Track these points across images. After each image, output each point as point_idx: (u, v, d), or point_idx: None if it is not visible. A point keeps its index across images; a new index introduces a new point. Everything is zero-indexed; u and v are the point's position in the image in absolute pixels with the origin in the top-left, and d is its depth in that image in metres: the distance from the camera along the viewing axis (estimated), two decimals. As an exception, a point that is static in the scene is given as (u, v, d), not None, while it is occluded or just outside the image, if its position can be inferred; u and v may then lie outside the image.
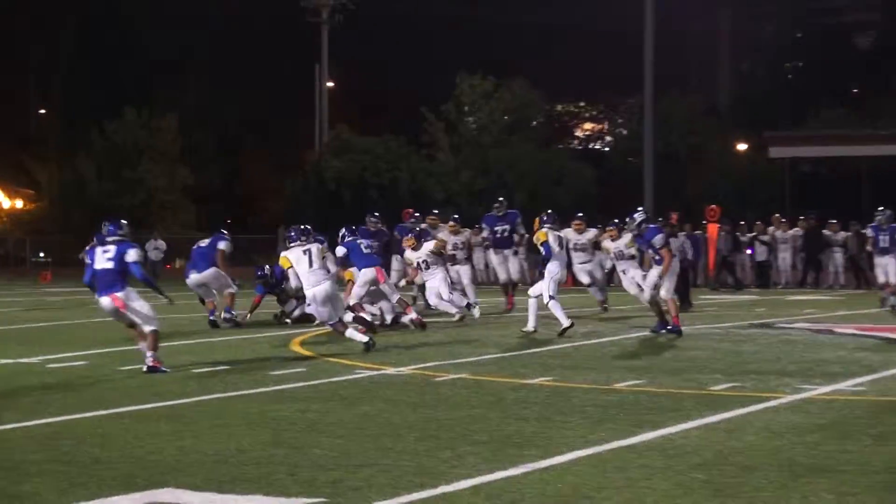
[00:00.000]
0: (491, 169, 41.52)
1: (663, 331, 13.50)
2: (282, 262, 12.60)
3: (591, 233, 17.18)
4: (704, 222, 27.13)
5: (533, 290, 14.05)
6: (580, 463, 6.16)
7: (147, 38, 54.29)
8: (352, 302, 14.08)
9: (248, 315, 15.71)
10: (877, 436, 6.90)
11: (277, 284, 15.78)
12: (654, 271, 13.67)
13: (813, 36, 51.32)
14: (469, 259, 18.19)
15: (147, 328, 10.15)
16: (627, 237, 16.94)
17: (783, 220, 27.01)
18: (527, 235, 17.50)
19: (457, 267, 17.43)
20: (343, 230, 14.62)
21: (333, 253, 14.59)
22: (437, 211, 19.36)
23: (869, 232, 19.07)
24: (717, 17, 51.33)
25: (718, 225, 26.69)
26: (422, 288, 17.50)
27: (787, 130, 38.94)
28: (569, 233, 17.35)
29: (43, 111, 57.50)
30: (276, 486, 5.65)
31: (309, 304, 12.52)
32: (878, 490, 5.58)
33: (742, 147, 43.86)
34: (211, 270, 15.39)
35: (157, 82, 53.14)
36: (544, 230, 14.13)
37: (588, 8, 49.00)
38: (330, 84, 49.01)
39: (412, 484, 5.66)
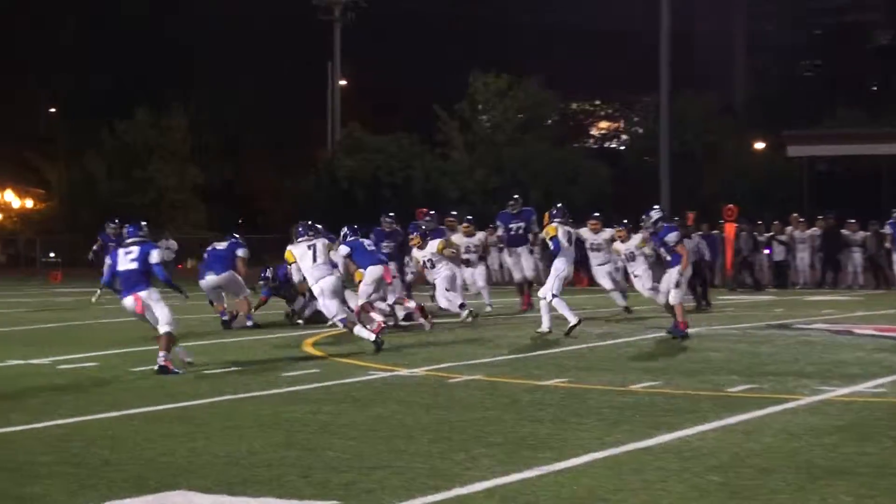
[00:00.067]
0: (505, 168, 41.45)
1: (680, 334, 13.24)
2: (286, 256, 12.77)
3: (608, 232, 16.98)
4: (721, 222, 26.99)
5: (542, 292, 13.96)
6: (595, 465, 6.12)
7: (157, 37, 54.36)
8: (360, 301, 14.05)
9: (252, 311, 15.71)
10: (896, 438, 6.83)
11: (282, 286, 15.82)
12: (670, 273, 13.44)
13: (829, 34, 51.07)
14: (483, 259, 18.07)
15: (162, 329, 10.20)
16: (637, 238, 16.85)
17: (801, 219, 26.81)
18: (541, 235, 17.37)
19: (471, 269, 17.33)
20: (345, 229, 14.52)
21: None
22: (455, 213, 19.24)
23: (887, 229, 18.95)
24: (733, 16, 51.15)
25: (735, 225, 26.56)
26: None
27: (805, 129, 38.71)
28: (585, 232, 17.24)
29: (53, 109, 57.54)
30: (288, 488, 5.61)
31: (317, 301, 12.60)
32: (899, 493, 5.51)
33: (759, 146, 43.66)
34: (228, 274, 15.43)
35: (167, 82, 53.19)
36: (554, 225, 13.99)
37: (603, 6, 48.90)
38: (342, 82, 48.83)
39: (426, 486, 5.62)
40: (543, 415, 7.73)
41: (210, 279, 15.38)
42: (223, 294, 15.56)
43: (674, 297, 13.23)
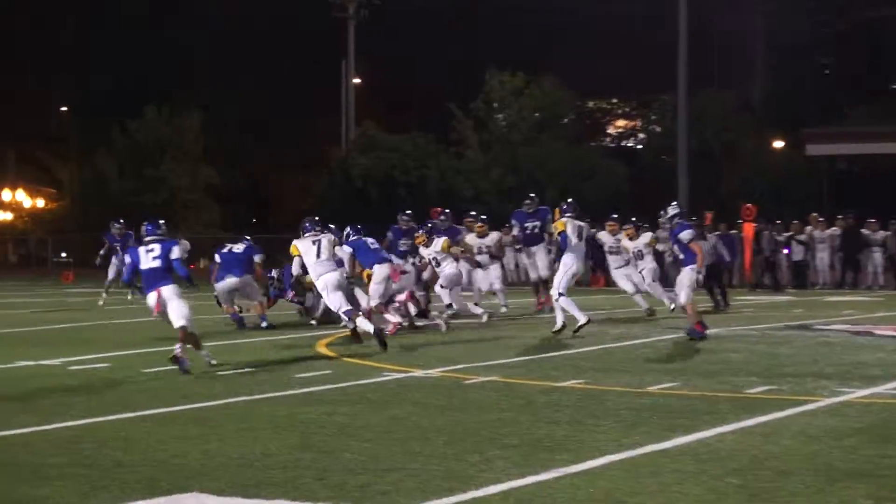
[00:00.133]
0: (521, 167, 41.33)
1: (698, 336, 13.11)
2: (291, 250, 12.92)
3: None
4: (740, 221, 26.86)
5: (553, 289, 13.91)
6: (612, 467, 6.08)
7: (165, 36, 54.43)
8: (373, 303, 14.05)
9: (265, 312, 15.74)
10: (918, 440, 6.76)
11: (290, 287, 15.87)
12: (683, 272, 13.26)
13: (849, 30, 50.67)
14: (499, 259, 17.92)
15: (176, 324, 10.27)
16: (647, 237, 16.77)
17: (821, 218, 26.65)
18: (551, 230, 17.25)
19: (484, 270, 17.21)
20: (348, 229, 14.52)
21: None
22: (474, 213, 19.14)
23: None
24: (752, 12, 50.80)
25: (754, 224, 26.42)
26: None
27: (824, 127, 38.44)
28: (604, 236, 17.17)
29: (64, 108, 57.65)
30: (303, 491, 5.58)
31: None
32: (920, 496, 5.45)
33: (778, 144, 43.39)
34: (246, 277, 15.53)
35: (175, 81, 53.24)
36: (563, 220, 13.89)
37: (620, 3, 48.68)
38: (356, 80, 48.51)
39: (441, 488, 5.58)
40: (560, 416, 7.68)
41: (230, 281, 15.40)
42: (235, 297, 15.61)
43: (683, 298, 13.08)
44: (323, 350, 12.26)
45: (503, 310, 17.43)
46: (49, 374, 10.33)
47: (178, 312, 10.26)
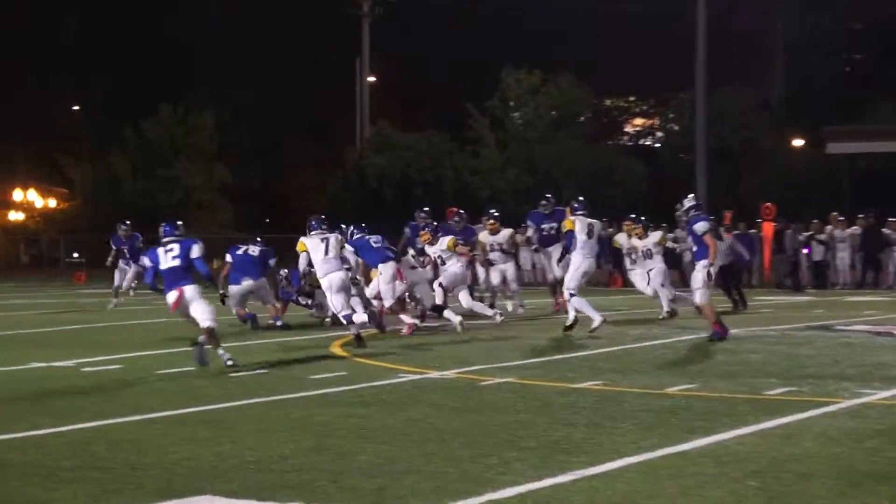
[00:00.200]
0: (538, 166, 41.18)
1: (718, 336, 12.96)
2: (298, 246, 12.97)
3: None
4: (759, 221, 26.69)
5: (564, 291, 13.84)
6: (631, 470, 6.02)
7: (183, 34, 54.55)
8: (387, 303, 14.02)
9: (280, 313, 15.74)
10: (941, 442, 6.67)
11: (299, 290, 15.87)
12: (697, 271, 13.09)
13: (872, 27, 50.31)
14: (514, 257, 17.79)
15: (204, 325, 10.41)
16: (656, 236, 16.62)
17: (841, 218, 26.46)
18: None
19: (500, 267, 17.13)
20: (352, 227, 14.51)
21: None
22: (492, 211, 18.99)
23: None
24: (772, 9, 50.48)
25: (774, 224, 26.25)
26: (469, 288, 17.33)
27: (844, 125, 38.16)
28: (621, 238, 17.06)
29: (76, 107, 57.77)
30: (318, 494, 5.54)
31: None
32: (944, 500, 5.36)
33: (798, 143, 43.13)
34: (262, 281, 15.59)
35: (194, 81, 53.31)
36: (571, 218, 13.83)
37: (637, 0, 48.47)
38: (371, 79, 48.18)
39: (457, 491, 5.53)
40: (577, 418, 7.61)
41: (246, 284, 15.40)
42: (248, 300, 15.60)
43: (699, 298, 12.92)
44: (338, 351, 12.22)
45: (520, 310, 17.36)
46: (61, 376, 10.31)
47: (204, 313, 10.38)
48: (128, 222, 20.76)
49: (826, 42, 49.77)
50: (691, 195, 14.10)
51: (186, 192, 48.72)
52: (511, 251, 17.66)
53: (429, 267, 15.30)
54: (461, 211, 18.09)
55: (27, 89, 53.87)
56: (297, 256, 13.16)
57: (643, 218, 16.96)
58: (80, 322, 17.16)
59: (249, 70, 55.06)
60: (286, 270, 16.31)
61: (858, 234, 25.76)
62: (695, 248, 13.13)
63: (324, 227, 12.99)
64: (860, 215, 26.26)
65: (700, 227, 12.92)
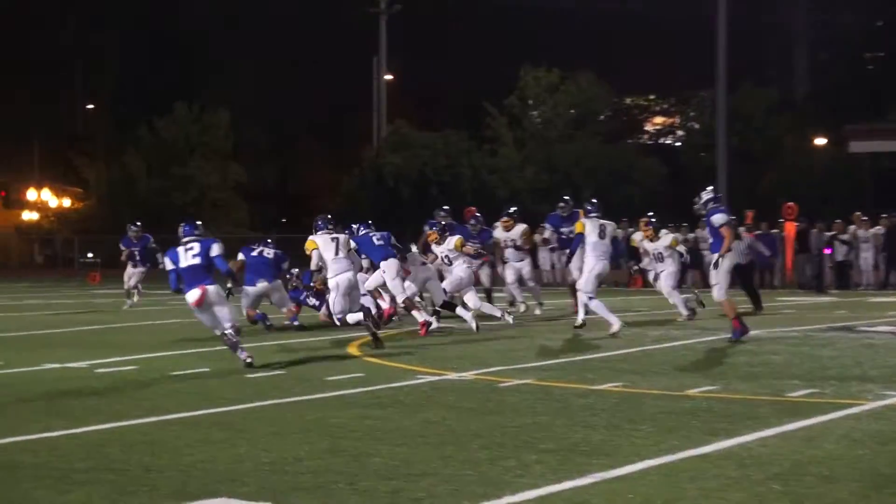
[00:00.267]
0: (557, 165, 41.03)
1: (737, 334, 12.84)
2: (308, 244, 12.99)
3: (668, 238, 16.64)
4: (781, 220, 26.50)
5: (579, 285, 13.77)
6: (651, 472, 5.95)
7: (199, 34, 54.66)
8: (400, 299, 14.00)
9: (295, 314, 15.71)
10: (967, 445, 6.56)
11: (306, 285, 15.87)
12: (713, 271, 12.92)
13: (894, 25, 49.91)
14: (526, 251, 17.66)
15: (218, 331, 10.55)
16: (668, 238, 16.47)
17: (864, 217, 26.23)
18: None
19: (515, 265, 17.01)
20: (359, 225, 14.48)
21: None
22: (513, 209, 18.84)
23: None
24: (794, 7, 50.19)
25: (796, 223, 26.05)
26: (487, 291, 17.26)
27: (867, 123, 37.86)
28: (638, 236, 16.94)
29: (91, 106, 57.83)
30: (334, 496, 5.50)
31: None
32: (971, 504, 5.26)
33: (820, 142, 42.84)
34: (277, 283, 15.61)
35: (209, 79, 53.37)
36: (583, 221, 13.77)
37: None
38: (388, 77, 47.90)
39: (475, 494, 5.48)
40: (596, 420, 7.54)
41: (261, 286, 15.40)
42: (261, 302, 15.60)
43: (716, 294, 12.82)
44: (354, 352, 12.17)
45: (537, 311, 17.25)
46: (75, 377, 10.29)
47: (226, 316, 10.56)
48: (138, 223, 20.61)
49: (849, 40, 49.43)
50: (710, 188, 13.97)
51: (201, 190, 48.80)
52: (526, 247, 17.54)
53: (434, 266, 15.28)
54: (478, 214, 18.01)
55: (41, 89, 54.13)
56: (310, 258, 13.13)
57: (654, 220, 16.81)
58: (95, 323, 17.17)
59: (265, 68, 55.16)
60: (297, 270, 16.27)
61: (882, 234, 25.53)
62: (711, 240, 13.09)
63: (330, 226, 13.05)
64: (884, 215, 26.03)
65: (717, 218, 12.82)
